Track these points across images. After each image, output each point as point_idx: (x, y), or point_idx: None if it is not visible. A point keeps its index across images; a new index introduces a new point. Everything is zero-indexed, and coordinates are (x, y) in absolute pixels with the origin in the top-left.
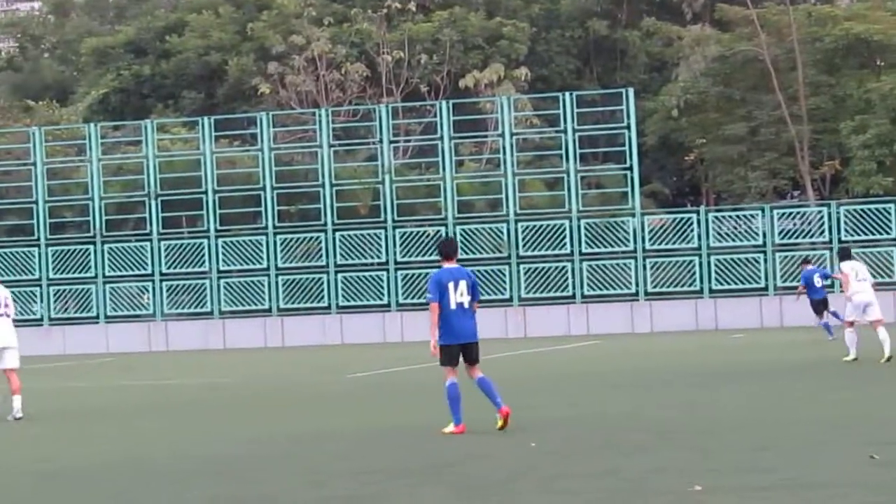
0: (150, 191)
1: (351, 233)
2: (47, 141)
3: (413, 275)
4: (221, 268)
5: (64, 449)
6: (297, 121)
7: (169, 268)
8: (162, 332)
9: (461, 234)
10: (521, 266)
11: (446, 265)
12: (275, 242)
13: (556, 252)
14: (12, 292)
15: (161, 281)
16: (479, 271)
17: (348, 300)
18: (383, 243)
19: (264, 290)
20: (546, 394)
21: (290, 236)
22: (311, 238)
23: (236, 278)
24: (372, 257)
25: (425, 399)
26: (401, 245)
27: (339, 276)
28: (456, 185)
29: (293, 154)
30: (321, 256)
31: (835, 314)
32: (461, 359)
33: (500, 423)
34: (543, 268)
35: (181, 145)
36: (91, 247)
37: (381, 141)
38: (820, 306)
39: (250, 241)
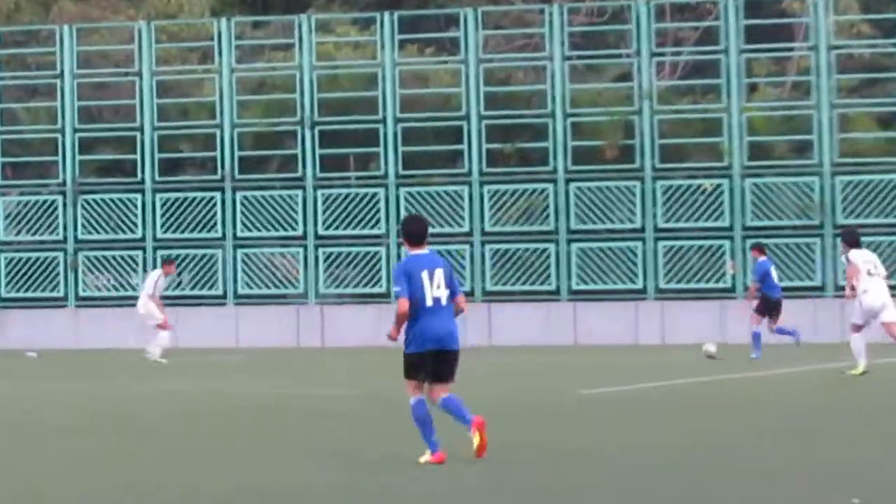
0: (304, 117)
1: (592, 184)
2: (159, 41)
3: (677, 247)
4: None
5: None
6: (517, 21)
7: (328, 228)
8: (316, 319)
9: (752, 189)
10: (839, 239)
11: (415, 252)
12: (481, 195)
13: (891, 221)
14: (107, 256)
15: (316, 247)
16: (779, 245)
17: (585, 282)
18: (637, 200)
19: (465, 264)
20: (869, 428)
21: (503, 187)
22: (534, 191)
23: None
24: (621, 221)
25: (684, 423)
26: (663, 204)
27: (574, 246)
28: (746, 120)
29: (510, 70)
30: (547, 218)
31: (781, 330)
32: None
33: (476, 441)
34: (872, 242)
35: (350, 52)
36: (217, 195)
37: (638, 53)
38: (775, 308)
39: (446, 192)
